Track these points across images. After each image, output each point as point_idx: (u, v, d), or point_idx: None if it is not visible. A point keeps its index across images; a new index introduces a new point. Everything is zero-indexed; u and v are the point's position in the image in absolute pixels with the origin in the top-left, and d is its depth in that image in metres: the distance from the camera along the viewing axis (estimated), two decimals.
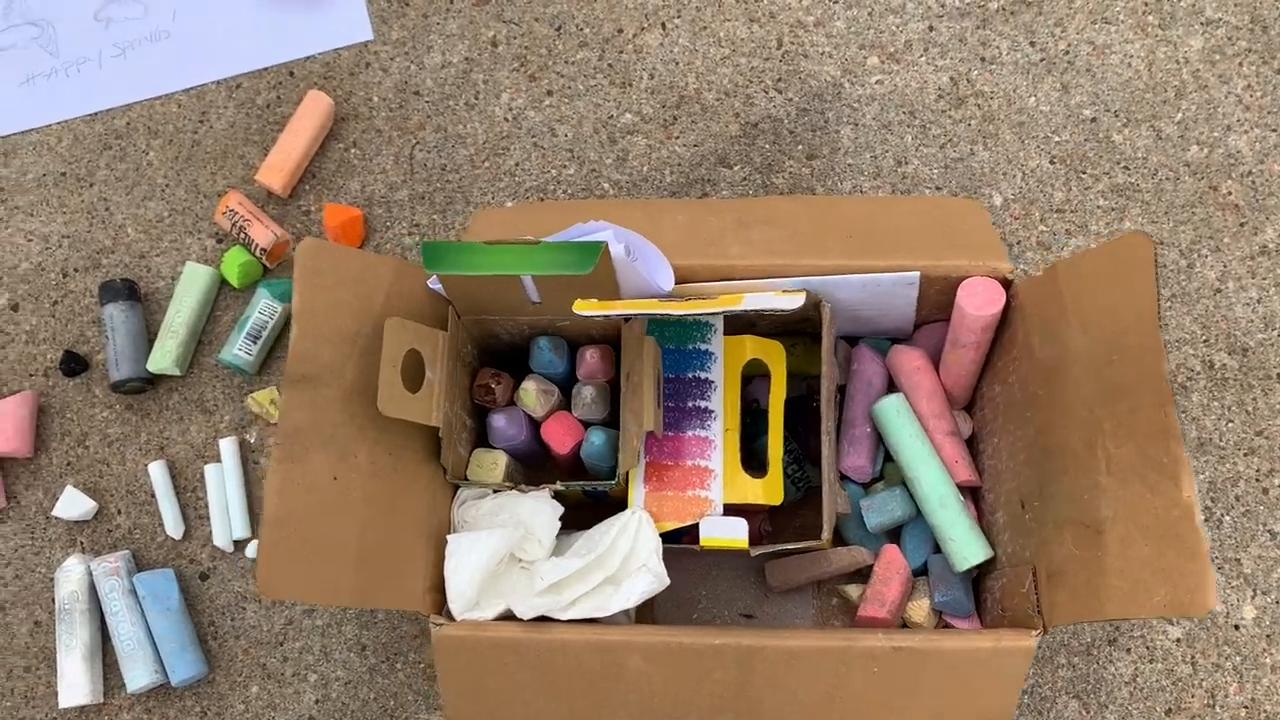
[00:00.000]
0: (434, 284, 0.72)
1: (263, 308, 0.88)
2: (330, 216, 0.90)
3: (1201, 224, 0.89)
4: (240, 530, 0.86)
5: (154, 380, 0.89)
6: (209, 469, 0.87)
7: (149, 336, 0.90)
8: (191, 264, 0.90)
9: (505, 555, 0.71)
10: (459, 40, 0.96)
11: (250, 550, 0.86)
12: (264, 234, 0.89)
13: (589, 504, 0.77)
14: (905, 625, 0.78)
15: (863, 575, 0.80)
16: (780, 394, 0.75)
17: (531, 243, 0.65)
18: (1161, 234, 0.89)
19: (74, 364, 0.90)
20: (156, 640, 0.83)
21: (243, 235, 0.89)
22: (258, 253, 0.89)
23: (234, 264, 0.89)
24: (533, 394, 0.75)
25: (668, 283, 0.71)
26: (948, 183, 0.91)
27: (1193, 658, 0.80)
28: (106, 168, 0.95)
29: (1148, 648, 0.81)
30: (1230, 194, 0.89)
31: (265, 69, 0.96)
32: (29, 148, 0.96)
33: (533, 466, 0.81)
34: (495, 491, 0.74)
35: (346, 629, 0.85)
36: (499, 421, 0.74)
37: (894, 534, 0.81)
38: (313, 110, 0.92)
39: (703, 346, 0.75)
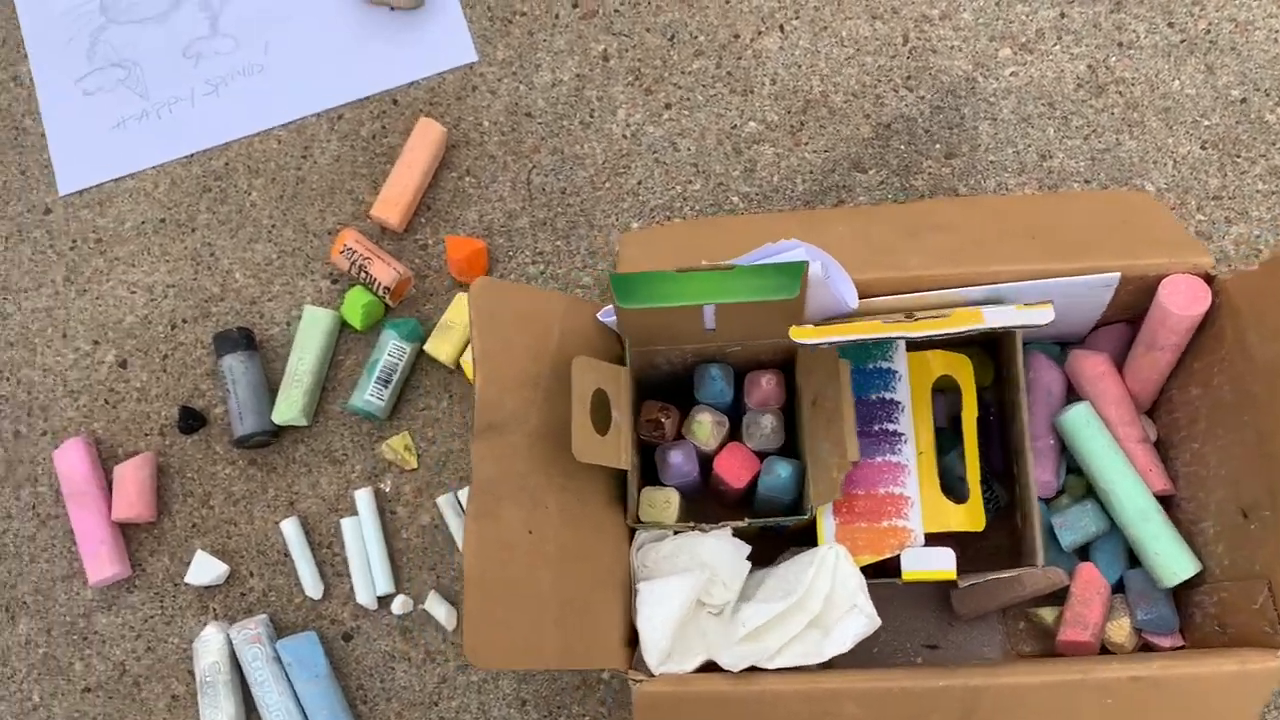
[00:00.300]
0: (605, 316, 0.68)
1: (391, 350, 0.83)
2: (453, 250, 0.85)
3: None
4: (384, 585, 0.81)
5: (278, 432, 0.85)
6: (345, 523, 0.82)
7: (269, 386, 0.86)
8: (311, 307, 0.85)
9: (693, 601, 0.67)
10: (568, 56, 0.92)
11: (396, 606, 0.81)
12: (386, 272, 0.84)
13: (757, 538, 0.72)
14: (1105, 648, 0.74)
15: (1053, 597, 0.75)
16: (972, 411, 0.70)
17: (725, 268, 0.61)
18: None
19: (191, 420, 0.85)
20: (306, 709, 0.78)
21: (363, 274, 0.85)
22: (380, 292, 0.85)
23: (356, 305, 0.85)
24: (707, 426, 0.70)
25: (853, 300, 0.66)
26: (1096, 175, 0.87)
27: None
28: (208, 211, 0.91)
29: None
30: None
31: (367, 98, 0.92)
32: (125, 195, 0.91)
33: (695, 502, 0.76)
34: (676, 532, 0.69)
35: (503, 683, 0.80)
36: (676, 457, 0.70)
37: (1081, 551, 0.76)
38: (424, 139, 0.88)
39: (885, 365, 0.71)
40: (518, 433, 0.62)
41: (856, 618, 0.64)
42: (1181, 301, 0.68)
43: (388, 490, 0.84)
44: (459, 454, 0.84)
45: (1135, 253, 0.69)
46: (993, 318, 0.60)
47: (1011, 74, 0.89)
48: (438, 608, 0.81)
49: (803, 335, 0.60)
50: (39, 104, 0.93)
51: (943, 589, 0.75)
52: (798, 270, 0.60)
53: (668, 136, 0.90)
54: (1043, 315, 0.61)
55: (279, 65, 0.93)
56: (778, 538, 0.74)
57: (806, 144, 0.89)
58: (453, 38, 0.92)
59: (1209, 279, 0.69)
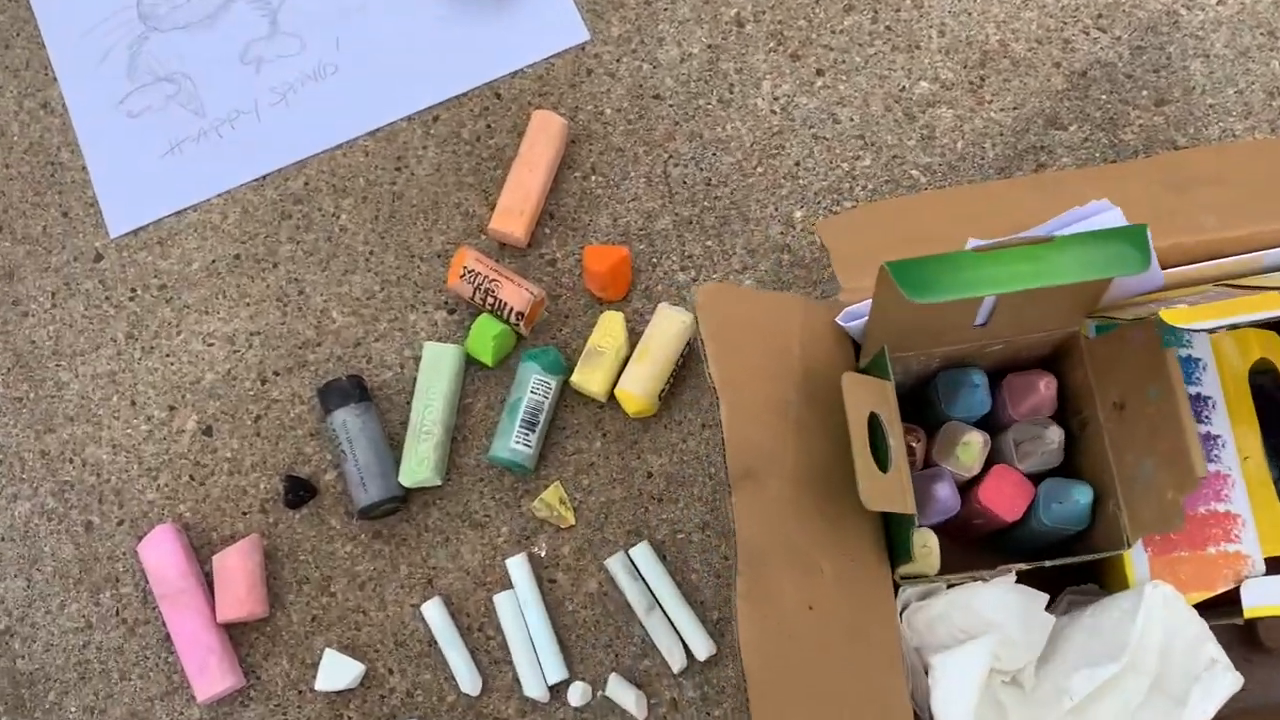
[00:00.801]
0: (850, 320, 0.54)
1: (534, 386, 0.69)
2: (593, 261, 0.71)
3: None
4: (555, 672, 0.67)
5: (407, 496, 0.71)
6: (499, 599, 0.68)
7: (391, 443, 0.72)
8: (433, 345, 0.71)
9: (988, 668, 0.53)
10: (695, 25, 0.78)
11: (574, 696, 0.67)
12: (518, 295, 0.70)
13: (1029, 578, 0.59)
14: None
15: None
16: None
17: (1044, 240, 0.47)
18: None
19: (300, 491, 0.71)
20: None
21: (490, 299, 0.71)
22: (512, 319, 0.71)
23: (486, 337, 0.71)
24: (975, 448, 0.57)
25: (1159, 272, 0.53)
26: None
27: None
28: (290, 241, 0.76)
29: None
30: None
31: (465, 94, 0.78)
32: (189, 231, 0.77)
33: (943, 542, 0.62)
34: (950, 585, 0.55)
35: None
36: (943, 490, 0.56)
37: None
38: (544, 134, 0.74)
39: (1184, 353, 0.57)
40: (777, 477, 0.48)
41: (1220, 677, 0.50)
42: None
43: (543, 554, 0.70)
44: (622, 504, 0.70)
45: None
46: None
47: (1219, 2, 0.76)
48: (624, 694, 0.66)
49: (1181, 318, 0.46)
50: (76, 133, 0.79)
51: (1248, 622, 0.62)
52: (1142, 237, 0.46)
53: (824, 107, 0.76)
54: None
55: (355, 64, 0.79)
56: (1047, 579, 0.60)
57: (991, 102, 0.76)
58: (559, 16, 0.78)
59: None
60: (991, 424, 0.60)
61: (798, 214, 0.75)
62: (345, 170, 0.77)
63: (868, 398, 0.49)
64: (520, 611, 0.68)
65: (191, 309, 0.76)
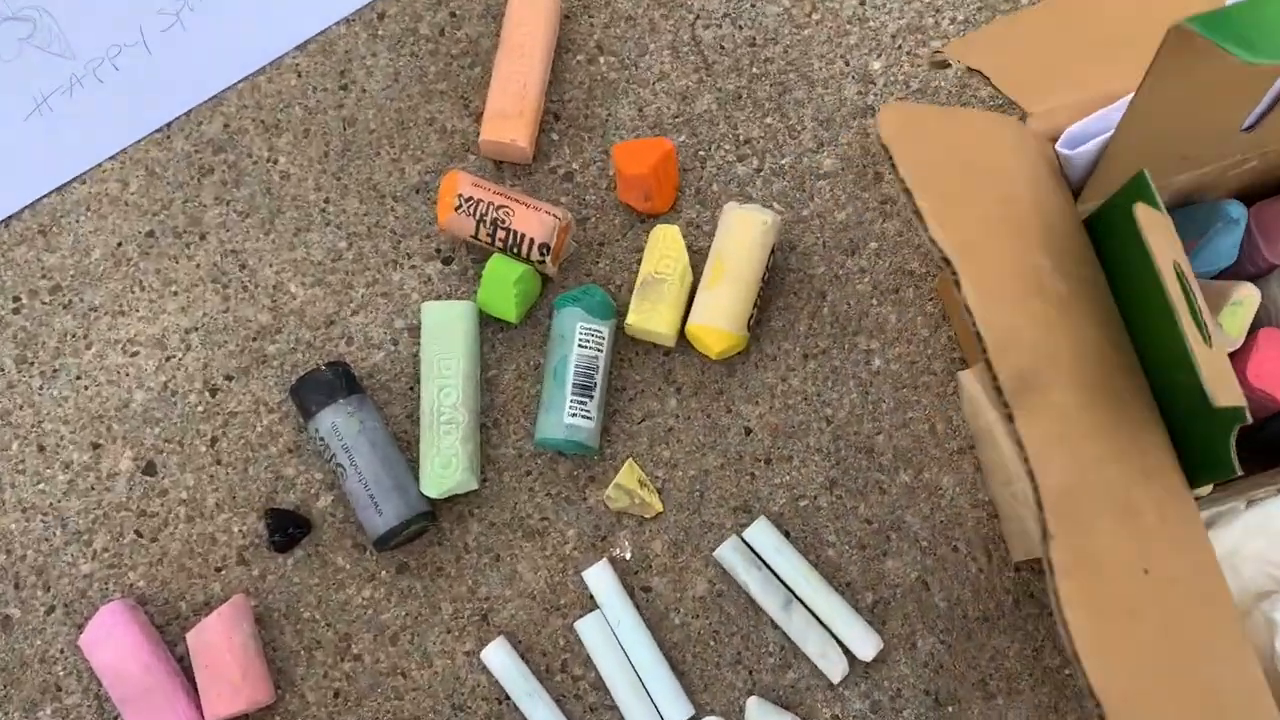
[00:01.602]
0: (1071, 144, 0.37)
1: (582, 338, 0.52)
2: (628, 162, 0.54)
3: None
4: (675, 708, 0.50)
5: (434, 511, 0.53)
6: (582, 626, 0.51)
7: (401, 444, 0.53)
8: (433, 305, 0.53)
9: None
10: None
11: None
12: (538, 221, 0.52)
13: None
14: None
15: None
16: None
17: None
18: None
19: (288, 528, 0.53)
20: None
21: (502, 234, 0.53)
22: (537, 255, 0.53)
23: (504, 284, 0.53)
24: (1249, 305, 0.41)
25: None
26: None
27: None
28: (218, 202, 0.57)
29: None
30: None
31: None
32: (79, 210, 0.58)
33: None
34: (1249, 503, 0.39)
35: None
36: None
37: None
38: (531, 9, 0.56)
39: None
40: (1059, 385, 0.31)
41: None
42: None
43: (629, 557, 0.53)
44: (719, 475, 0.53)
45: None
46: None
47: None
48: None
49: None
50: None
51: None
52: None
53: None
54: None
55: None
56: None
57: None
58: None
59: None
60: (1240, 276, 0.44)
61: (875, 65, 0.58)
62: (275, 100, 0.58)
63: (1167, 242, 0.32)
64: (614, 636, 0.51)
65: (100, 311, 0.56)
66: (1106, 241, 0.37)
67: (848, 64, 0.58)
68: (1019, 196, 0.34)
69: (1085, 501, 0.29)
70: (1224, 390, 0.30)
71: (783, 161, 0.57)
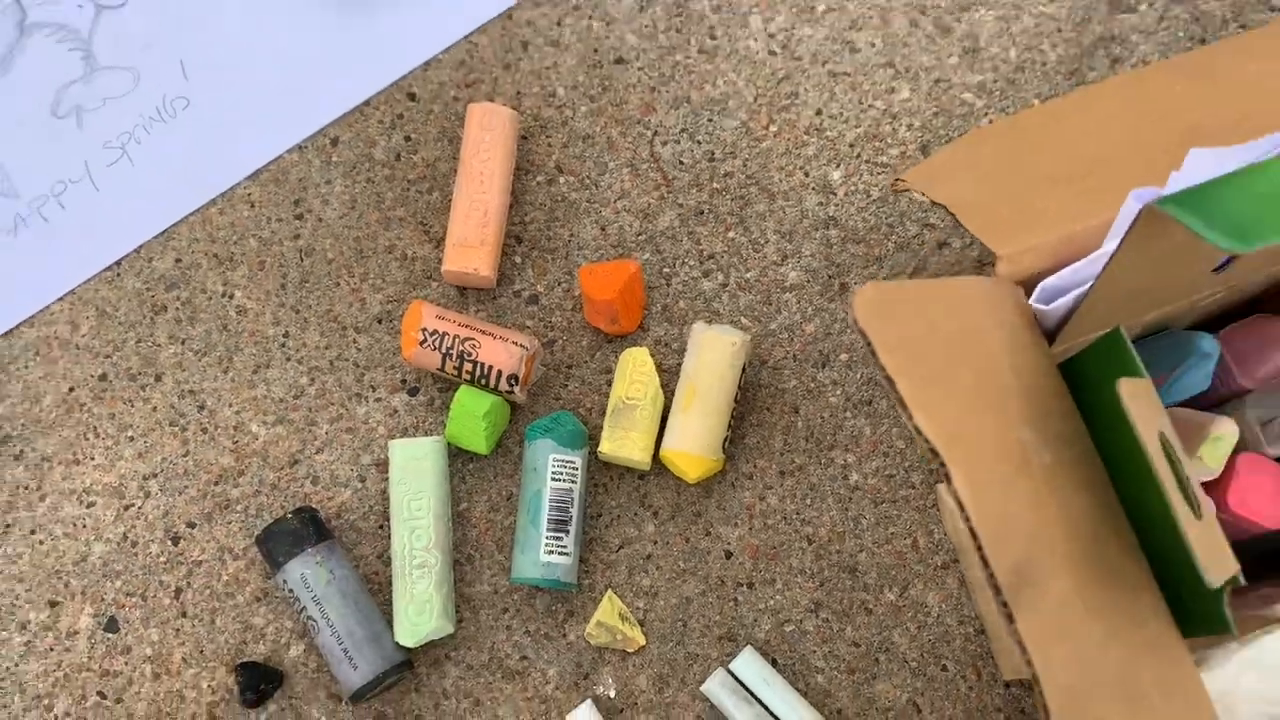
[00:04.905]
0: (1045, 299, 0.37)
1: (555, 469, 0.50)
2: (594, 286, 0.53)
3: None
4: None
5: (412, 660, 0.51)
6: None
7: (372, 588, 0.52)
8: (401, 442, 0.52)
9: None
10: None
11: None
12: (505, 352, 0.51)
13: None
14: None
15: None
16: None
17: None
18: None
19: (261, 683, 0.51)
20: None
21: (470, 366, 0.52)
22: (504, 386, 0.52)
23: (474, 416, 0.51)
24: (1227, 441, 0.40)
25: None
26: None
27: None
28: (172, 341, 0.56)
29: None
30: None
31: (367, 103, 0.58)
32: (28, 355, 0.56)
33: None
34: (1240, 643, 0.39)
35: None
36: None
37: None
38: (489, 133, 0.55)
39: None
40: (1058, 573, 0.30)
41: None
42: None
43: (613, 695, 0.51)
44: (701, 602, 0.52)
45: None
46: None
47: None
48: None
49: None
50: None
51: None
52: None
53: (835, 35, 0.59)
54: None
55: (212, 91, 0.59)
56: None
57: None
58: None
59: None
60: (1208, 401, 0.44)
61: (834, 175, 0.58)
62: (228, 232, 0.57)
63: (1151, 411, 0.32)
64: None
65: (53, 461, 0.54)
66: (1083, 386, 0.36)
67: (807, 175, 0.58)
68: (997, 362, 0.33)
69: (1092, 698, 0.29)
70: (1218, 567, 0.30)
71: (748, 275, 0.56)
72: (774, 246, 0.57)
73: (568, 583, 0.51)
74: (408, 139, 0.58)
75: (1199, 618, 0.35)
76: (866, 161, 0.58)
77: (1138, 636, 0.32)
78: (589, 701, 0.50)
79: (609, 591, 0.52)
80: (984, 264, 0.56)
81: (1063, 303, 0.36)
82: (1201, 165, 0.35)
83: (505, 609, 0.52)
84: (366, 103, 0.59)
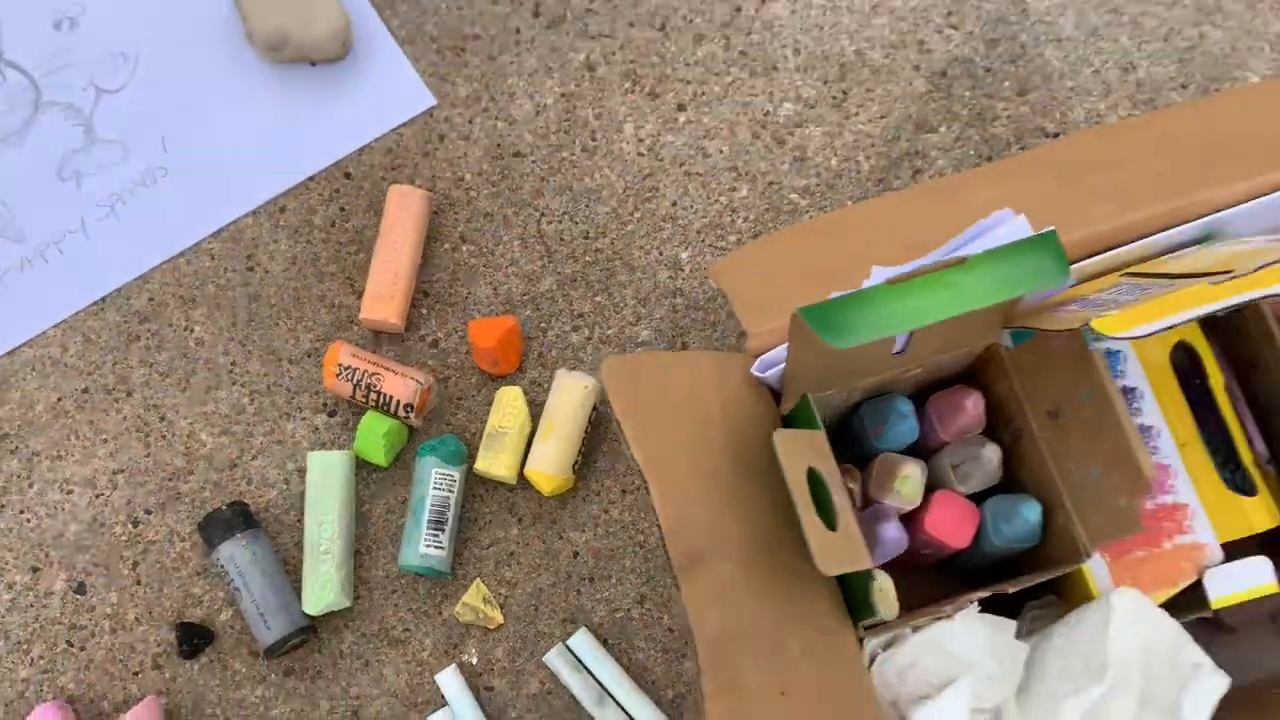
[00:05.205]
0: (764, 369, 0.51)
1: (436, 480, 0.64)
2: (479, 336, 0.67)
3: None
4: None
5: (315, 626, 0.65)
6: (433, 719, 0.63)
7: (287, 568, 0.65)
8: (317, 454, 0.65)
9: (970, 712, 0.50)
10: (544, 76, 0.75)
11: None
12: (403, 386, 0.65)
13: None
14: None
15: None
16: (1219, 378, 0.56)
17: (957, 263, 0.45)
18: None
19: (195, 639, 0.64)
20: None
21: (375, 395, 0.65)
22: (401, 412, 0.66)
23: (374, 436, 0.65)
24: (915, 479, 0.54)
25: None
26: (1190, 77, 0.74)
27: None
28: (142, 364, 0.70)
29: None
30: None
31: (311, 179, 0.72)
32: (26, 370, 0.69)
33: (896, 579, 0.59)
34: (914, 629, 0.52)
35: None
36: (890, 530, 0.53)
37: None
38: (404, 210, 0.69)
39: (1100, 345, 0.56)
40: (723, 556, 0.44)
41: (1205, 680, 0.48)
42: None
43: (475, 662, 0.65)
44: (551, 591, 0.66)
45: None
46: None
47: None
48: None
49: (1115, 327, 0.44)
50: None
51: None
52: (1054, 244, 0.44)
53: (692, 142, 0.73)
54: None
55: (187, 163, 0.73)
56: (1005, 599, 0.57)
57: (857, 114, 0.74)
58: (400, 83, 0.74)
59: None
60: (921, 448, 0.57)
61: (683, 255, 0.72)
62: (192, 278, 0.71)
63: (802, 452, 0.46)
64: None
65: (42, 456, 0.68)
66: None
67: (661, 254, 0.71)
68: (711, 413, 0.47)
69: (733, 645, 0.42)
70: (832, 564, 0.43)
71: (609, 332, 0.70)
72: (631, 310, 0.71)
73: (442, 571, 0.64)
74: (341, 209, 0.72)
75: (862, 606, 0.49)
76: (709, 245, 0.72)
77: (796, 612, 0.45)
78: (454, 666, 0.64)
79: (477, 580, 0.66)
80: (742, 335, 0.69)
81: (774, 372, 0.50)
82: (876, 277, 0.48)
83: (393, 590, 0.66)
84: (310, 178, 0.73)
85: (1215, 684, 0.49)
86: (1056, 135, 0.73)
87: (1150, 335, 0.42)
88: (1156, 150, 0.60)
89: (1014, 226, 0.47)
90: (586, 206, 0.72)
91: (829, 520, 0.45)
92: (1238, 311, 0.57)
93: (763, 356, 0.51)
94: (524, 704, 0.64)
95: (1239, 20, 0.75)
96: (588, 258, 0.71)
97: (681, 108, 0.74)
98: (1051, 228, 0.45)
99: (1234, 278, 0.44)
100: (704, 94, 0.74)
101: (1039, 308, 0.52)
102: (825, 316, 0.44)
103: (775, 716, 0.42)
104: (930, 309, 0.44)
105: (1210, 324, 0.59)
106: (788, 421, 0.51)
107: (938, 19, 0.76)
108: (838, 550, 0.44)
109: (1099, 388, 0.49)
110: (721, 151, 0.73)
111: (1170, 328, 0.42)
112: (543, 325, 0.70)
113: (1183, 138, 0.60)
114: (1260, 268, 0.44)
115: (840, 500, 0.46)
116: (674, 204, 0.72)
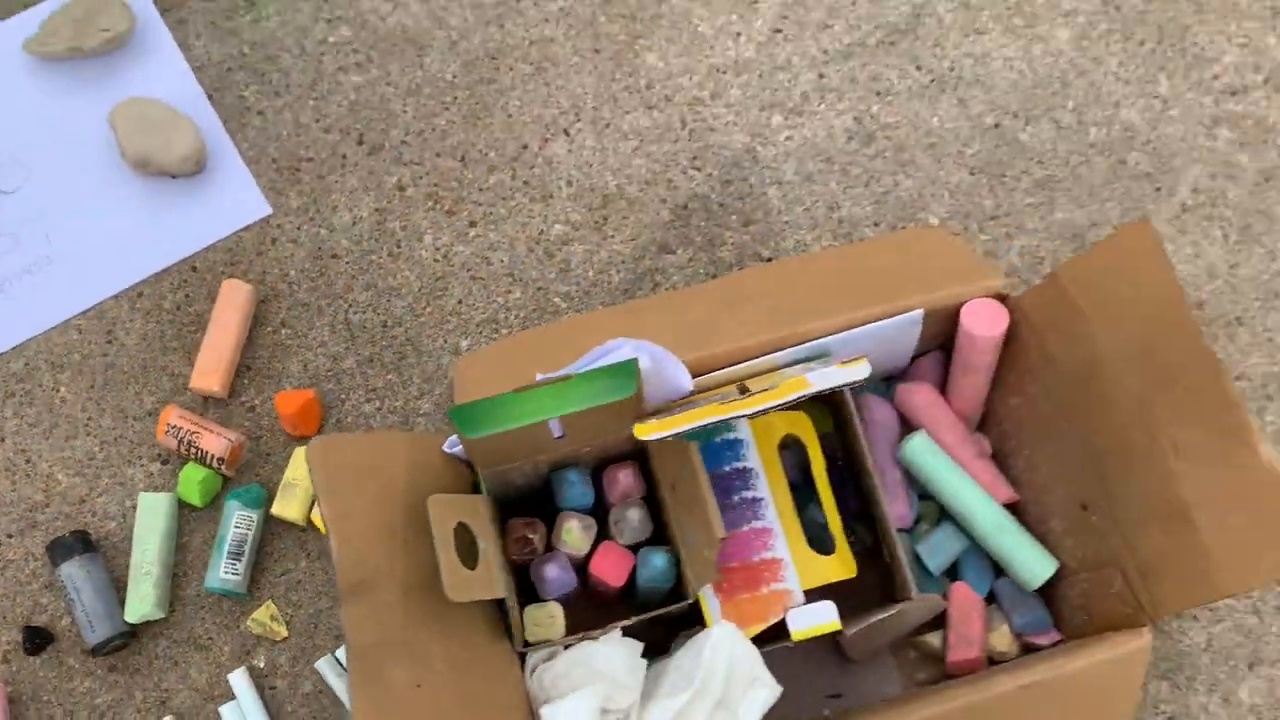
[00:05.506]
0: (451, 447, 0.68)
1: (238, 521, 0.81)
2: (283, 406, 0.84)
3: (1123, 196, 0.92)
4: None
5: (135, 631, 0.81)
6: (224, 710, 0.79)
7: (117, 585, 0.82)
8: (145, 494, 0.82)
9: (598, 713, 0.67)
10: (363, 194, 0.92)
11: None
12: (217, 443, 0.82)
13: (648, 630, 0.73)
14: (991, 659, 0.77)
15: (935, 621, 0.78)
16: (820, 463, 0.73)
17: (562, 379, 0.62)
18: (1091, 215, 0.92)
19: (37, 639, 0.80)
20: None
21: (193, 450, 0.82)
22: (215, 464, 0.82)
23: (192, 483, 0.82)
24: (576, 532, 0.71)
25: (688, 382, 0.69)
26: (883, 216, 0.92)
27: (1255, 607, 0.82)
28: (15, 416, 0.86)
29: (1211, 610, 0.82)
30: (1138, 163, 0.93)
31: (164, 270, 0.90)
32: None
33: (581, 610, 0.76)
34: (566, 647, 0.69)
35: None
36: (552, 571, 0.70)
37: (950, 571, 0.80)
38: (232, 300, 0.86)
39: (731, 436, 0.73)
40: (387, 588, 0.61)
41: (759, 690, 0.65)
42: (983, 325, 0.73)
43: (263, 665, 0.81)
44: (329, 613, 0.82)
45: (933, 286, 0.74)
46: (818, 381, 0.64)
47: (787, 138, 0.94)
48: None
49: (646, 432, 0.62)
50: None
51: (834, 639, 0.77)
52: (630, 368, 0.62)
53: (478, 252, 0.91)
54: (860, 371, 0.65)
55: (66, 254, 0.90)
56: (671, 626, 0.74)
57: (613, 236, 0.92)
58: (242, 194, 0.91)
59: (1003, 298, 0.74)
60: (599, 508, 0.75)
61: (463, 343, 0.89)
62: (61, 348, 0.88)
63: (455, 512, 0.63)
64: (244, 717, 0.79)
65: None
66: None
67: (445, 342, 0.89)
68: (397, 482, 0.64)
69: (381, 651, 0.58)
70: (458, 593, 0.60)
71: (396, 404, 0.87)
72: (416, 387, 0.88)
73: (239, 593, 0.81)
74: (186, 297, 0.89)
75: (534, 629, 0.66)
76: (485, 337, 0.89)
77: (444, 630, 0.62)
78: (244, 668, 0.80)
79: (269, 600, 0.82)
80: None
81: (459, 450, 0.67)
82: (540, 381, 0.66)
83: (202, 606, 0.82)
84: (164, 270, 0.90)
85: (768, 694, 0.66)
86: (770, 259, 0.91)
87: (666, 437, 0.60)
88: (800, 284, 0.78)
89: (621, 352, 0.64)
90: (387, 301, 0.90)
91: (472, 562, 0.62)
92: (839, 412, 0.75)
93: (451, 437, 0.68)
94: (299, 700, 0.80)
95: (927, 171, 0.94)
96: (384, 343, 0.89)
97: (473, 224, 0.92)
98: (634, 358, 0.62)
99: (742, 399, 0.62)
100: (492, 214, 0.92)
101: (665, 406, 0.69)
102: (464, 412, 0.61)
103: (409, 703, 0.59)
104: (539, 410, 0.61)
105: (837, 423, 0.77)
106: (475, 487, 0.68)
107: (684, 161, 0.94)
108: (469, 583, 0.61)
109: (690, 468, 0.66)
110: (502, 260, 0.91)
111: (682, 433, 0.60)
112: (342, 397, 0.87)
113: (820, 275, 0.78)
114: (765, 390, 0.62)
115: (484, 546, 0.63)
116: (459, 301, 0.90)
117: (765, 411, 0.63)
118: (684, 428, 0.62)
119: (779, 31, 0.97)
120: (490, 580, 0.63)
